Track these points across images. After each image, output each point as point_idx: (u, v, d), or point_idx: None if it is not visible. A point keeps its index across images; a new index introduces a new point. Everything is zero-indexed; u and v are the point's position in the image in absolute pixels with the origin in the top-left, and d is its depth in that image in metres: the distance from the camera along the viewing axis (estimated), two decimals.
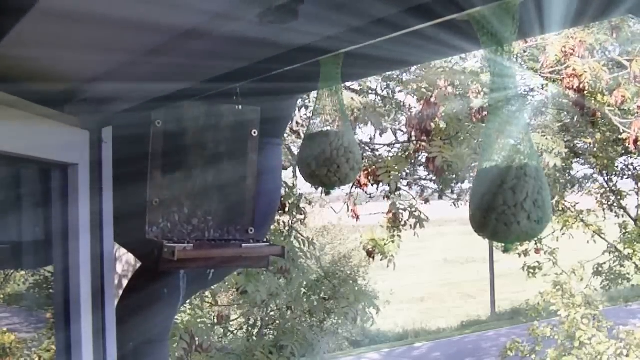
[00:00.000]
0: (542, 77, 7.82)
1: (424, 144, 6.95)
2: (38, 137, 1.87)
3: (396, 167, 6.70)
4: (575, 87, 7.14)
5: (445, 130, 6.88)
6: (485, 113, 6.94)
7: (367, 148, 8.26)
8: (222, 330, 8.36)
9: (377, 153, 8.31)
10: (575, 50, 7.07)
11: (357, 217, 8.18)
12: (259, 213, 2.30)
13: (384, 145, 8.51)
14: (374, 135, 8.27)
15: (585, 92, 7.40)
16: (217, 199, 2.22)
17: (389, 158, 7.40)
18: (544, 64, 7.69)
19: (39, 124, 1.86)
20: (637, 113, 7.77)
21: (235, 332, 9.02)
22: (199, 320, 6.09)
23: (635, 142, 7.60)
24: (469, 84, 7.04)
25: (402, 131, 8.25)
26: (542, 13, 1.18)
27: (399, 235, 7.44)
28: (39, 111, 1.83)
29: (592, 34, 7.31)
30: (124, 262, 5.55)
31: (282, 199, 6.65)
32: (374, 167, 6.77)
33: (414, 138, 7.30)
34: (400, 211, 7.38)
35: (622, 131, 8.23)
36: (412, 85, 7.06)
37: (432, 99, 6.72)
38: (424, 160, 7.53)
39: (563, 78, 7.27)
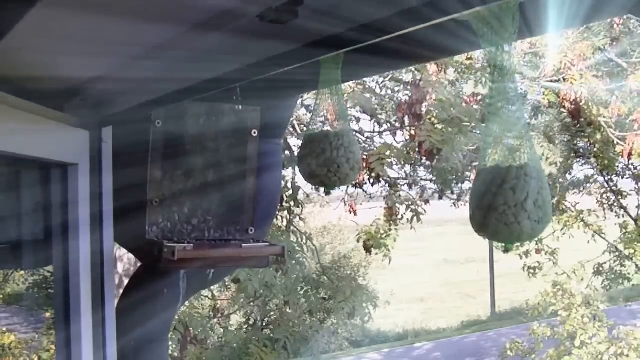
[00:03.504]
0: (542, 86, 7.83)
1: (415, 130, 6.90)
2: (38, 137, 1.87)
3: (388, 154, 6.63)
4: (571, 99, 7.20)
5: (437, 115, 6.80)
6: (479, 98, 6.95)
7: (361, 137, 8.19)
8: (220, 328, 8.37)
9: (373, 142, 8.25)
10: (573, 62, 7.10)
11: (355, 212, 8.16)
12: (259, 213, 2.30)
13: (377, 132, 8.44)
14: (373, 127, 8.24)
15: (582, 104, 7.45)
16: (217, 199, 2.22)
17: (380, 144, 7.33)
18: (542, 72, 7.70)
19: (39, 124, 1.86)
20: (633, 127, 7.80)
21: (232, 328, 9.02)
22: (194, 312, 6.06)
23: (630, 154, 7.66)
24: (461, 70, 7.02)
25: (392, 123, 8.19)
26: (541, 13, 1.18)
27: (395, 229, 7.42)
28: (39, 111, 1.83)
29: (592, 44, 7.33)
30: (125, 261, 5.55)
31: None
32: (366, 155, 6.70)
33: (406, 124, 7.27)
34: (397, 205, 7.37)
35: (616, 144, 8.28)
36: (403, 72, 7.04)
37: (421, 84, 6.69)
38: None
39: (559, 91, 7.32)
